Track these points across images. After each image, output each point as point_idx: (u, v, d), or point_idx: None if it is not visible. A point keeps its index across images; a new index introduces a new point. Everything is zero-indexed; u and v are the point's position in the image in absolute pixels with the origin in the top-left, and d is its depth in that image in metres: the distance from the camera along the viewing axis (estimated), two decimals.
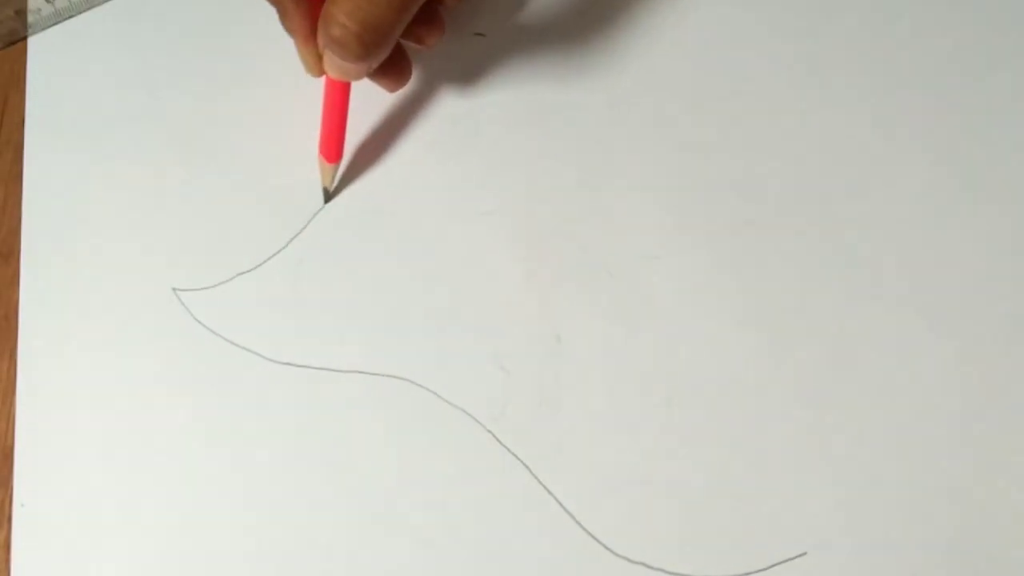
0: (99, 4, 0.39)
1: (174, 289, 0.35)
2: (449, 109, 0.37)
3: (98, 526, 0.32)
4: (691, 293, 0.34)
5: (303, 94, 0.37)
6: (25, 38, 0.38)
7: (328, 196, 0.35)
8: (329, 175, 0.35)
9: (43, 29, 0.38)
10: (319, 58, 0.31)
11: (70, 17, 0.38)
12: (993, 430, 0.32)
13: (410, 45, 0.34)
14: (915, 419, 0.32)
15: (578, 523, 0.32)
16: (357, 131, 0.37)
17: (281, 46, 0.38)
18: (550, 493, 0.32)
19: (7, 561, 0.31)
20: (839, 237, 0.35)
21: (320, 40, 0.30)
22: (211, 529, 0.32)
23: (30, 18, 0.38)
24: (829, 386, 0.33)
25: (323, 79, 0.32)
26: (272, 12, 0.38)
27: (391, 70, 0.34)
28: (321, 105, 0.33)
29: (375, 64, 0.31)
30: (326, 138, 0.34)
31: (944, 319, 0.33)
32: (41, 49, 0.38)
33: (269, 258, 0.35)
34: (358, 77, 0.32)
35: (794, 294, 0.34)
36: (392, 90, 0.35)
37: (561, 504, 0.32)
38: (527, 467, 0.32)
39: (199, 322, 0.34)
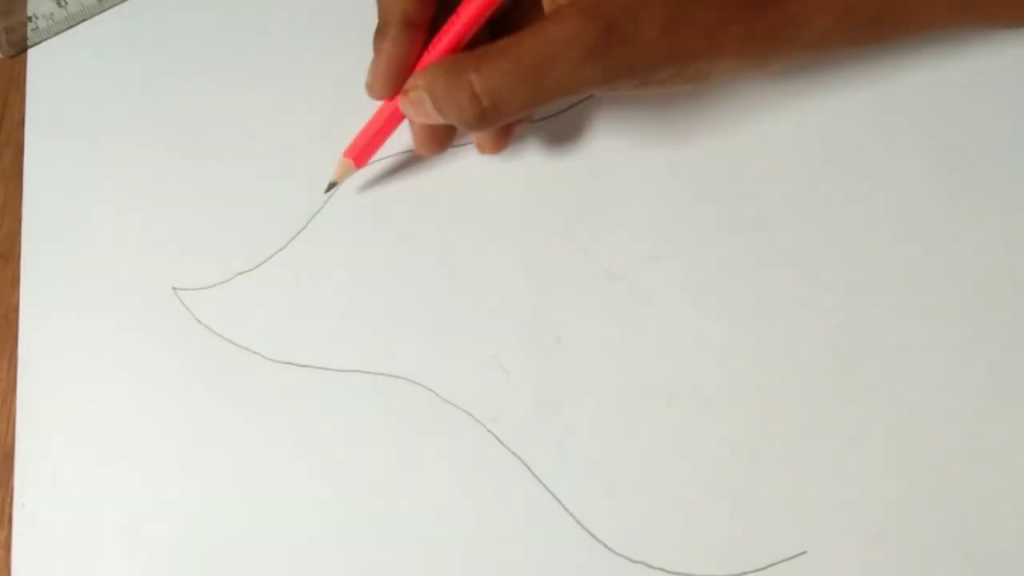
0: (111, 7, 0.39)
1: (174, 289, 0.35)
2: None
3: (98, 526, 0.32)
4: (691, 293, 0.34)
5: (303, 94, 0.37)
6: (37, 43, 0.38)
7: (330, 188, 0.34)
8: (345, 174, 0.34)
9: (56, 34, 0.38)
10: (390, 84, 0.29)
11: (83, 21, 0.38)
12: (993, 430, 0.32)
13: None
14: (915, 419, 0.32)
15: (578, 523, 0.32)
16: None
17: (281, 46, 0.38)
18: (550, 493, 0.32)
19: (7, 561, 0.31)
20: (839, 237, 0.35)
21: (434, 84, 0.27)
22: (211, 529, 0.32)
23: (42, 23, 0.38)
24: (829, 386, 0.33)
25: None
26: (272, 12, 0.39)
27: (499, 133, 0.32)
28: (373, 114, 0.32)
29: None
30: (364, 145, 0.33)
31: (944, 319, 0.33)
32: (41, 49, 0.38)
33: (269, 258, 0.35)
34: (441, 147, 0.31)
35: (794, 294, 0.34)
36: (487, 150, 0.33)
37: (561, 504, 0.32)
38: (527, 467, 0.32)
39: (199, 322, 0.34)
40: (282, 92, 0.37)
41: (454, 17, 0.28)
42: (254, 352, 0.34)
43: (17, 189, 0.36)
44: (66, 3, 0.38)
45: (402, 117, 0.31)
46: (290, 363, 0.34)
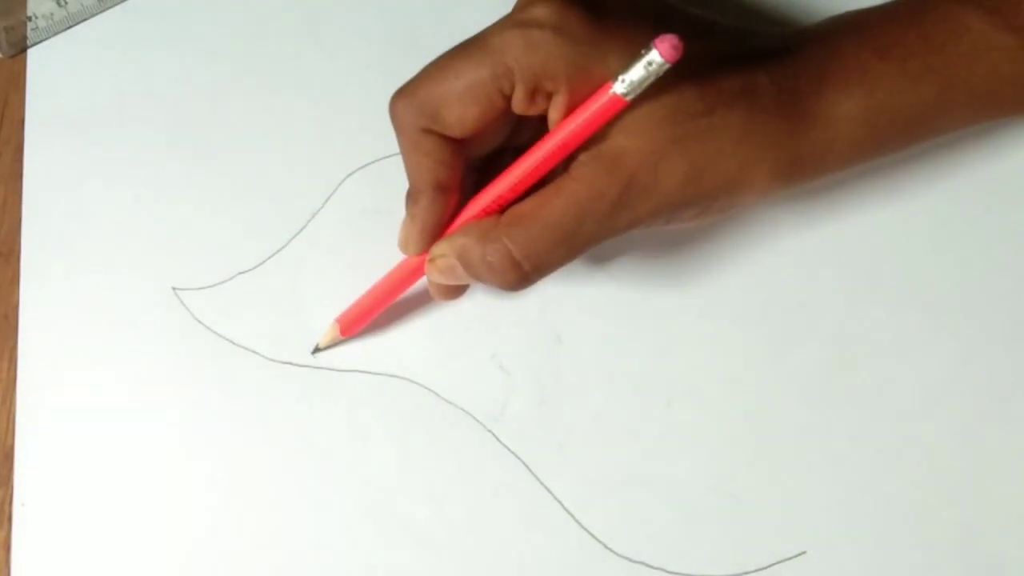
0: (110, 7, 0.39)
1: (174, 289, 0.35)
2: None
3: (98, 526, 0.32)
4: (691, 293, 0.34)
5: (303, 94, 0.37)
6: (37, 43, 0.38)
7: (315, 351, 0.34)
8: (333, 342, 0.34)
9: (55, 34, 0.38)
10: (424, 245, 0.29)
11: (83, 21, 0.38)
12: (993, 430, 0.32)
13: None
14: (915, 419, 0.32)
15: (578, 523, 0.32)
16: None
17: (281, 47, 0.38)
18: (550, 493, 0.32)
19: (7, 561, 0.31)
20: (839, 237, 0.35)
21: (467, 253, 0.28)
22: (211, 529, 0.32)
23: (41, 23, 0.38)
24: (829, 386, 0.33)
25: (392, 263, 0.31)
26: (272, 12, 0.39)
27: None
28: (370, 288, 0.32)
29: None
30: (356, 317, 0.33)
31: (944, 319, 0.33)
32: (41, 49, 0.38)
33: (269, 258, 0.35)
34: (458, 295, 0.31)
35: (794, 294, 0.34)
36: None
37: (561, 504, 0.32)
38: (527, 467, 0.32)
39: (199, 322, 0.34)
40: (282, 92, 0.37)
41: (492, 184, 0.28)
42: (254, 352, 0.34)
43: (17, 189, 0.36)
44: (66, 3, 0.38)
45: (398, 292, 0.32)
46: (290, 363, 0.34)
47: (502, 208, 0.28)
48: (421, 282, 0.32)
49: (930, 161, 0.35)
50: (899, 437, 0.32)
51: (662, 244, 0.35)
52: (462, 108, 0.26)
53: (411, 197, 0.29)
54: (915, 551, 0.31)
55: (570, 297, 0.34)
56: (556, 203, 0.26)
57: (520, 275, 0.27)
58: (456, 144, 0.28)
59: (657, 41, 0.23)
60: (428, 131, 0.27)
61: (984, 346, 0.33)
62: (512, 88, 0.26)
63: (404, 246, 0.30)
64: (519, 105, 0.26)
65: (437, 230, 0.29)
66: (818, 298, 0.34)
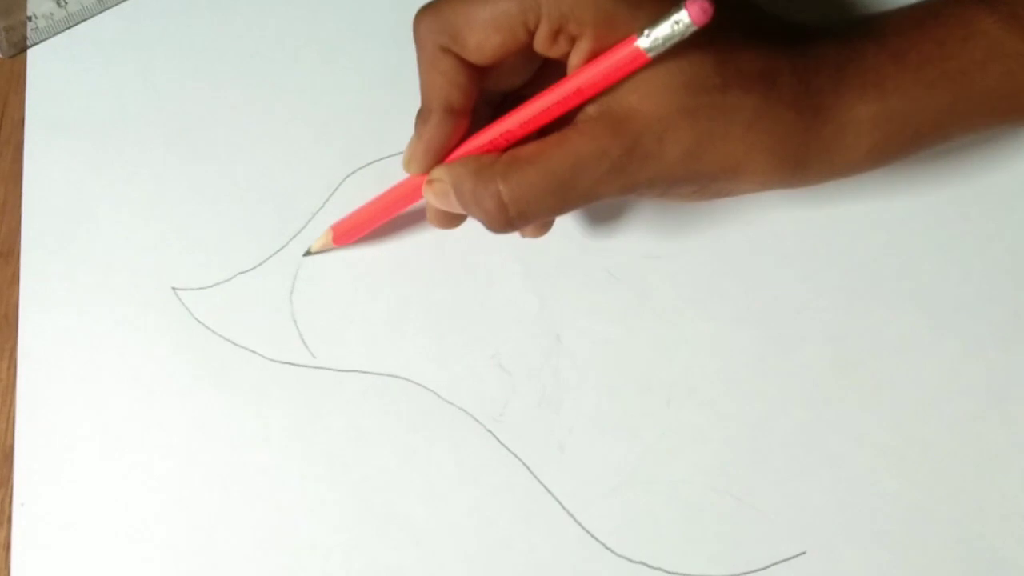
0: (110, 7, 0.39)
1: (174, 289, 0.35)
2: None
3: (98, 526, 0.32)
4: (691, 293, 0.34)
5: (303, 94, 0.37)
6: (37, 43, 0.38)
7: (307, 254, 0.35)
8: (325, 247, 0.34)
9: (55, 34, 0.38)
10: (428, 166, 0.29)
11: (83, 21, 0.38)
12: (993, 430, 0.32)
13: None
14: (915, 419, 0.32)
15: (578, 523, 0.32)
16: None
17: (281, 46, 0.38)
18: (550, 493, 0.32)
19: (7, 561, 0.31)
20: (839, 236, 0.35)
21: (461, 184, 0.28)
22: (211, 529, 0.32)
23: (41, 23, 0.38)
24: (829, 386, 0.33)
25: (395, 181, 0.31)
26: (272, 12, 0.39)
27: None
28: (371, 199, 0.33)
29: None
30: (351, 227, 0.34)
31: (944, 319, 0.33)
32: (41, 49, 0.38)
33: (269, 258, 0.35)
34: (454, 225, 0.32)
35: (794, 294, 0.34)
36: (528, 235, 0.32)
37: (561, 504, 0.32)
38: (527, 467, 0.32)
39: (199, 322, 0.34)
40: (282, 92, 0.37)
41: (503, 118, 0.28)
42: (254, 352, 0.34)
43: (17, 189, 0.36)
44: (66, 3, 0.38)
45: (395, 209, 0.32)
46: (290, 363, 0.34)
47: (508, 144, 0.28)
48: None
49: (931, 161, 0.35)
50: (899, 437, 0.32)
51: (662, 243, 0.35)
52: (484, 34, 0.26)
53: (421, 116, 0.29)
54: (915, 551, 0.31)
55: (570, 297, 0.34)
56: (556, 152, 0.26)
57: (505, 218, 0.27)
58: (473, 70, 0.27)
59: (688, 1, 0.23)
60: (447, 51, 0.27)
61: (984, 346, 0.33)
62: (537, 24, 0.26)
63: (407, 164, 0.30)
64: (541, 43, 0.26)
65: (442, 153, 0.29)
66: (818, 298, 0.34)
